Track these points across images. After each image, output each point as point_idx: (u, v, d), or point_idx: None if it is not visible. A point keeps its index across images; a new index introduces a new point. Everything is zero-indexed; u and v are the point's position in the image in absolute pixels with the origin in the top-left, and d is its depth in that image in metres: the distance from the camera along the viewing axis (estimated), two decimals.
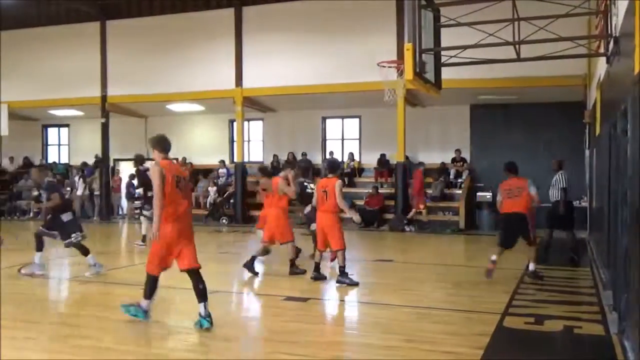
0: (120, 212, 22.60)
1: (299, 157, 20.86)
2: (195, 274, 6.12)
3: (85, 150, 23.38)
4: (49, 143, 25.45)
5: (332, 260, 10.11)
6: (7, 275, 9.87)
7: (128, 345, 5.54)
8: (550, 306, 7.17)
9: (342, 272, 8.54)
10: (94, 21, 20.96)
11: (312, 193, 11.37)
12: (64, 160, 24.61)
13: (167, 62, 20.04)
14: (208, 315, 5.96)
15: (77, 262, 11.56)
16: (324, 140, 21.59)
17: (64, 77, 21.19)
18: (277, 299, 7.67)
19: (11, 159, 24.59)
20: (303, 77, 18.35)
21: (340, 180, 8.76)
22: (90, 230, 18.45)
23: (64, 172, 23.19)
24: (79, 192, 21.24)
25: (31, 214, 21.74)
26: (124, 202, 22.53)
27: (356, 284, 8.46)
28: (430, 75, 10.04)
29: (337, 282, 8.53)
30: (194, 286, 6.09)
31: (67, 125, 24.83)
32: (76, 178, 21.70)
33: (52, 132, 25.44)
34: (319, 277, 8.83)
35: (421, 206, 17.32)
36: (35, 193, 10.28)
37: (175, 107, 21.38)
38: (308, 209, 10.91)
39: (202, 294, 6.04)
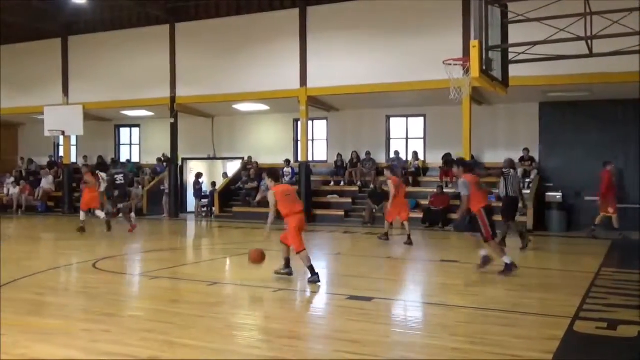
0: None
1: (362, 156, 20.85)
2: None
3: (155, 150, 24.12)
4: (121, 142, 26.37)
5: None
6: (80, 270, 10.30)
7: (195, 340, 5.67)
8: (623, 311, 6.89)
9: (312, 270, 8.47)
10: (164, 24, 21.55)
11: (122, 184, 15.82)
12: (135, 159, 25.44)
13: (233, 63, 20.40)
14: None
15: (147, 258, 11.96)
16: (388, 139, 21.47)
17: (135, 78, 21.91)
18: (342, 297, 7.69)
19: (85, 157, 25.59)
20: (367, 76, 18.31)
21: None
22: (160, 227, 19.07)
23: (135, 170, 23.98)
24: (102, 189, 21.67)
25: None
26: (192, 200, 23.15)
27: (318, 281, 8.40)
28: (497, 72, 9.85)
29: (310, 281, 8.42)
30: None
31: (138, 125, 25.66)
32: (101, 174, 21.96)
33: (124, 132, 26.36)
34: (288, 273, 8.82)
35: (610, 210, 14.98)
36: None
37: (241, 106, 21.73)
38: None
39: None
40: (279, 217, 8.68)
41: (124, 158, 25.51)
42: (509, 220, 12.84)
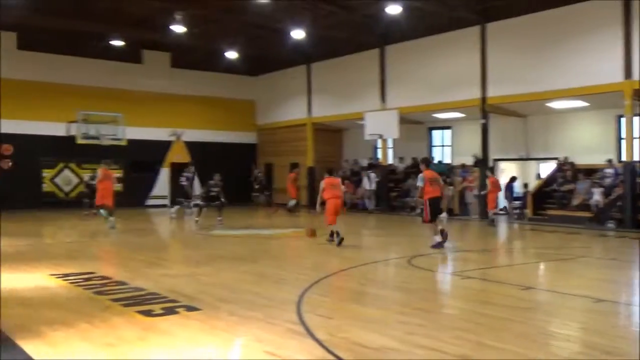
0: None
1: None
2: None
3: (465, 151, 24.36)
4: (433, 144, 27.25)
5: None
6: (397, 265, 10.97)
7: (506, 344, 5.61)
8: None
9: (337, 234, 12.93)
10: (474, 26, 21.63)
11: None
12: (447, 160, 26.02)
13: (546, 59, 19.50)
14: None
15: (457, 257, 12.19)
16: None
17: (446, 81, 22.43)
18: None
19: (401, 159, 27.06)
20: None
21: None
22: (470, 227, 19.22)
23: (446, 171, 24.55)
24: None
25: (418, 210, 23.55)
26: (503, 202, 22.81)
27: None
28: None
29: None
30: None
31: (449, 127, 26.22)
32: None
33: (436, 134, 27.18)
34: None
35: None
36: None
37: (555, 104, 20.68)
38: None
39: None
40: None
41: (436, 159, 26.31)
42: None
